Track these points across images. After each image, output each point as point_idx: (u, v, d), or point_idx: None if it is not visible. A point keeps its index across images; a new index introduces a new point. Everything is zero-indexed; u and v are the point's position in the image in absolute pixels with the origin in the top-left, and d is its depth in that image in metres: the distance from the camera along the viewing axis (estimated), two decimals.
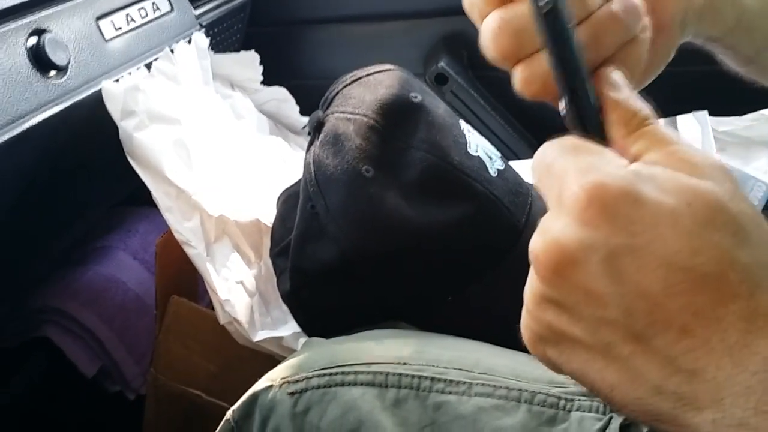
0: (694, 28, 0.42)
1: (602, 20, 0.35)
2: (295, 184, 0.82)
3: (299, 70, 1.28)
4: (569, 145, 0.32)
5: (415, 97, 0.74)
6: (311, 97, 1.18)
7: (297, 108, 1.19)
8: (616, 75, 0.34)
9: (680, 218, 0.28)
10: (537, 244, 0.30)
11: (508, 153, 1.19)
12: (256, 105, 1.15)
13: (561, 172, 0.31)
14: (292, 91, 1.19)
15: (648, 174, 0.29)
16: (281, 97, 1.18)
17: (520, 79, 0.36)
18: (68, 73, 0.78)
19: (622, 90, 0.34)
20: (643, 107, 0.33)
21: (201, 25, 1.02)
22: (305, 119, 1.20)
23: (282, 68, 1.24)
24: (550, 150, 0.32)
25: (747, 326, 0.27)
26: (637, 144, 0.32)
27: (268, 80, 1.17)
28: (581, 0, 0.35)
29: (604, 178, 0.29)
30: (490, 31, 0.36)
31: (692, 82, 0.90)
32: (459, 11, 1.15)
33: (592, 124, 0.34)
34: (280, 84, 1.19)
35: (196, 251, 0.76)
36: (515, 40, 0.35)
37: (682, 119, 0.91)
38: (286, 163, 0.98)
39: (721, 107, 0.93)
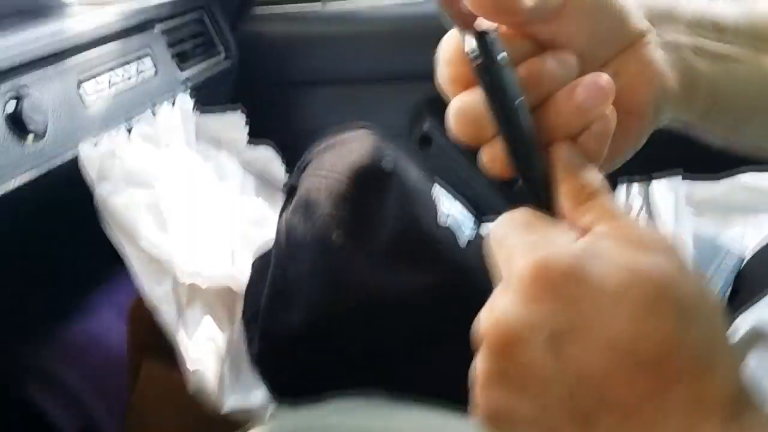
0: (669, 114, 0.42)
1: (561, 105, 0.35)
2: (269, 249, 0.82)
3: (287, 128, 1.29)
4: (520, 220, 0.32)
5: (387, 165, 0.75)
6: (298, 155, 1.20)
7: (283, 167, 1.20)
8: (567, 149, 0.35)
9: (624, 299, 0.28)
10: (484, 320, 0.30)
11: (494, 217, 1.19)
12: (242, 164, 1.16)
13: (510, 248, 0.31)
14: (281, 148, 1.20)
15: (594, 251, 0.29)
16: (267, 156, 1.18)
17: (484, 160, 0.36)
18: (46, 138, 0.78)
19: (572, 164, 0.34)
20: (593, 181, 0.33)
21: (187, 86, 1.04)
22: None
23: (270, 125, 1.25)
24: (502, 225, 0.33)
25: (692, 410, 0.27)
26: (585, 217, 0.32)
27: (257, 135, 1.18)
28: (539, 81, 0.35)
29: (549, 256, 0.29)
30: (453, 117, 0.36)
31: (670, 140, 0.90)
32: None
33: (543, 197, 0.34)
34: (269, 140, 1.20)
35: (166, 317, 0.76)
36: (475, 127, 0.35)
37: (656, 184, 0.91)
38: (267, 224, 0.98)
39: (697, 165, 0.93)
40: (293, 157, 1.20)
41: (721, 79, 0.41)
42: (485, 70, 0.33)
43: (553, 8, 0.35)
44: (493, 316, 0.29)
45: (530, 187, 0.34)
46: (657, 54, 0.39)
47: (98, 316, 1.12)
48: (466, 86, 0.35)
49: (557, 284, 0.28)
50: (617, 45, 0.38)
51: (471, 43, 0.34)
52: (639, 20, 0.39)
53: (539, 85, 0.35)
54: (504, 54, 0.34)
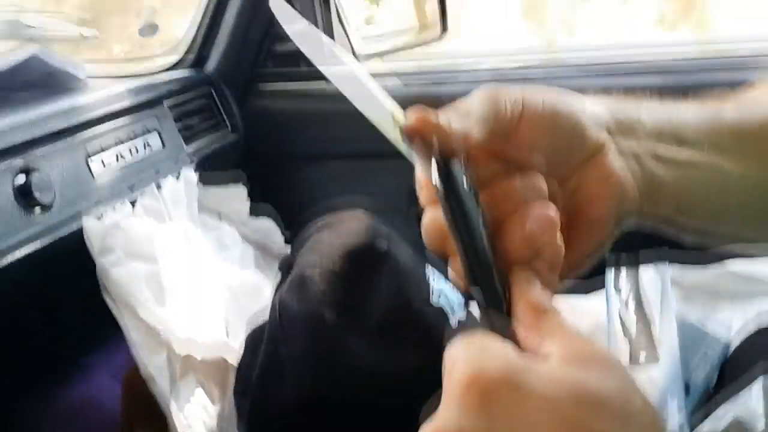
0: (632, 221, 0.44)
1: (513, 233, 0.37)
2: (262, 324, 0.84)
3: (289, 201, 1.32)
4: (468, 338, 0.33)
5: (381, 245, 0.77)
6: (299, 227, 1.22)
7: (282, 239, 1.22)
8: (521, 273, 0.36)
9: (560, 410, 0.28)
10: (424, 430, 0.31)
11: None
12: (243, 235, 1.19)
13: (453, 361, 0.32)
14: (282, 219, 1.23)
15: (533, 365, 0.30)
16: (267, 228, 1.21)
17: (452, 270, 0.38)
18: (53, 210, 0.81)
19: (524, 287, 0.35)
20: (544, 302, 0.34)
21: (192, 159, 1.07)
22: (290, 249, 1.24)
23: (272, 198, 1.28)
24: (454, 345, 0.34)
25: None
26: (536, 334, 0.33)
27: (259, 207, 1.21)
28: (504, 203, 0.37)
29: (483, 365, 0.30)
30: (423, 230, 0.38)
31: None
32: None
33: (497, 312, 0.36)
34: (270, 211, 1.23)
35: (160, 388, 0.77)
36: (441, 242, 0.38)
37: (643, 270, 0.92)
38: (263, 297, 1.00)
39: (684, 253, 0.95)
40: (294, 229, 1.24)
41: (683, 186, 0.43)
42: (445, 199, 0.35)
43: (507, 125, 0.38)
44: (433, 425, 0.30)
45: (486, 299, 0.36)
46: (617, 164, 0.40)
47: (93, 379, 1.13)
48: (436, 203, 0.37)
49: (492, 393, 0.29)
50: (577, 157, 0.40)
51: (433, 173, 0.36)
52: (597, 132, 0.40)
53: (504, 206, 0.37)
54: (465, 181, 0.36)
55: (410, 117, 0.37)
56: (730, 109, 0.45)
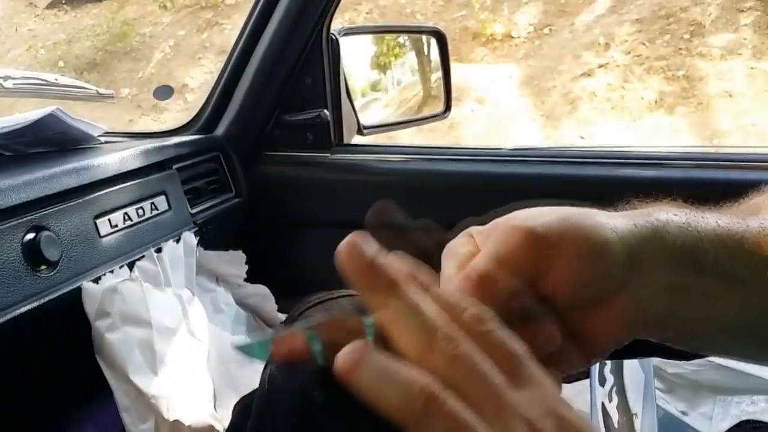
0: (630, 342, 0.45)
1: None
2: (252, 392, 0.84)
3: (287, 266, 1.34)
4: None
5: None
6: (292, 294, 1.24)
7: (276, 306, 1.24)
8: None
9: None
10: None
11: None
12: (237, 299, 1.21)
13: None
14: (276, 286, 1.25)
15: None
16: (262, 294, 1.23)
17: None
18: (58, 268, 0.83)
19: None
20: None
21: (195, 223, 1.10)
22: (283, 316, 1.26)
23: (271, 263, 1.30)
24: None
25: None
26: None
27: (258, 271, 1.23)
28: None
29: None
30: None
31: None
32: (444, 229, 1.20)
33: None
34: (268, 278, 1.25)
35: None
36: None
37: (627, 365, 0.94)
38: (253, 366, 1.01)
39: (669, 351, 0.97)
40: (288, 301, 1.25)
41: (695, 314, 0.44)
42: None
43: (538, 271, 0.40)
44: None
45: None
46: (633, 303, 0.42)
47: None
48: None
49: None
50: (596, 297, 0.41)
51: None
52: (623, 273, 0.41)
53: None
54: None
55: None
56: (750, 230, 0.45)
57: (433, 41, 1.64)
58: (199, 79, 5.12)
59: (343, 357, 0.34)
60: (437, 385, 0.32)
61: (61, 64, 5.61)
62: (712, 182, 1.05)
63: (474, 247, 0.43)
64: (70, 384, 1.02)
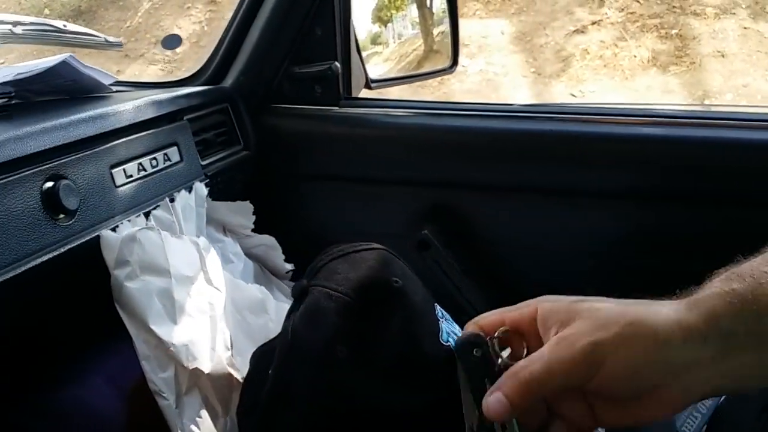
0: None
1: None
2: (270, 341, 0.85)
3: (293, 218, 1.35)
4: None
5: (396, 282, 0.79)
6: (299, 246, 1.25)
7: (282, 256, 1.25)
8: None
9: None
10: None
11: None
12: (245, 249, 1.21)
13: None
14: (283, 238, 1.25)
15: None
16: (269, 244, 1.24)
17: None
18: (76, 217, 0.83)
19: None
20: None
21: (206, 175, 1.09)
22: (289, 266, 1.26)
23: (277, 214, 1.30)
24: None
25: None
26: None
27: (265, 222, 1.24)
28: None
29: None
30: None
31: None
32: (450, 185, 1.24)
33: None
34: (274, 229, 1.25)
35: (167, 402, 0.79)
36: None
37: None
38: (264, 313, 1.02)
39: None
40: (293, 246, 1.26)
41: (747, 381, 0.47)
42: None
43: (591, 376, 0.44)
44: None
45: None
46: (680, 393, 0.45)
47: (87, 382, 1.14)
48: None
49: None
50: (638, 394, 0.45)
51: None
52: (678, 368, 0.44)
53: None
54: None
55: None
56: None
57: None
58: (187, 30, 5.03)
59: None
60: None
61: (46, 11, 5.49)
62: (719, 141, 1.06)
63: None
64: (79, 335, 1.03)
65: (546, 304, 0.51)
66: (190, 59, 4.67)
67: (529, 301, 0.53)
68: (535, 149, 1.17)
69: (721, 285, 0.46)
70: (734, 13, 4.47)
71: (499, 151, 1.20)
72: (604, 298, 0.49)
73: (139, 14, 5.35)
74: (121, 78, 1.23)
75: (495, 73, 4.68)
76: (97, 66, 1.04)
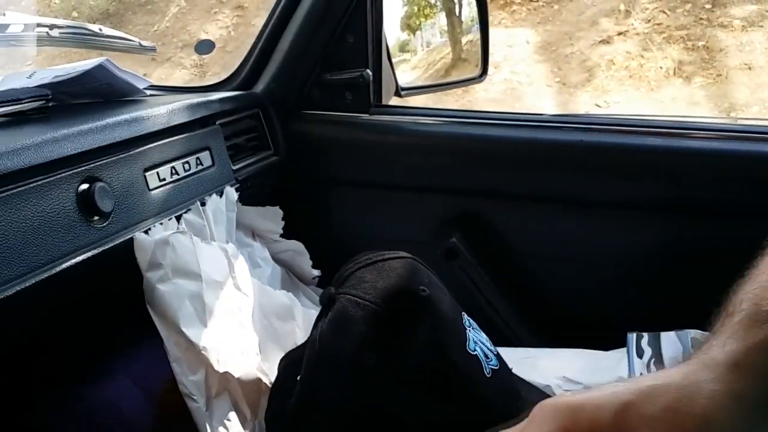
0: None
1: None
2: (298, 348, 0.86)
3: (321, 224, 1.35)
4: None
5: (424, 291, 0.79)
6: (326, 251, 1.25)
7: (310, 261, 1.25)
8: None
9: None
10: None
11: (510, 335, 1.23)
12: (273, 254, 1.22)
13: None
14: (311, 244, 1.26)
15: None
16: (297, 250, 1.24)
17: None
18: (110, 219, 0.84)
19: None
20: None
21: (237, 179, 1.10)
22: (316, 272, 1.27)
23: (306, 220, 1.31)
24: None
25: None
26: None
27: (289, 232, 1.24)
28: None
29: None
30: None
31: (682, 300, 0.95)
32: (477, 193, 1.23)
33: None
34: (302, 235, 1.26)
35: (197, 405, 0.80)
36: None
37: (665, 337, 0.95)
38: (292, 319, 1.03)
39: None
40: (321, 252, 1.27)
41: None
42: None
43: None
44: None
45: None
46: None
47: (115, 383, 1.15)
48: None
49: None
50: None
51: None
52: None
53: None
54: None
55: None
56: None
57: (466, 1, 1.62)
58: (214, 34, 5.08)
59: None
60: None
61: (75, 14, 5.57)
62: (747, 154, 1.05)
63: None
64: (114, 334, 1.04)
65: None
66: (216, 64, 4.71)
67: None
68: (563, 159, 1.16)
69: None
70: (762, 26, 4.43)
71: (527, 160, 1.19)
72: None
73: (167, 18, 5.41)
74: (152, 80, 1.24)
75: (519, 83, 4.67)
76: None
